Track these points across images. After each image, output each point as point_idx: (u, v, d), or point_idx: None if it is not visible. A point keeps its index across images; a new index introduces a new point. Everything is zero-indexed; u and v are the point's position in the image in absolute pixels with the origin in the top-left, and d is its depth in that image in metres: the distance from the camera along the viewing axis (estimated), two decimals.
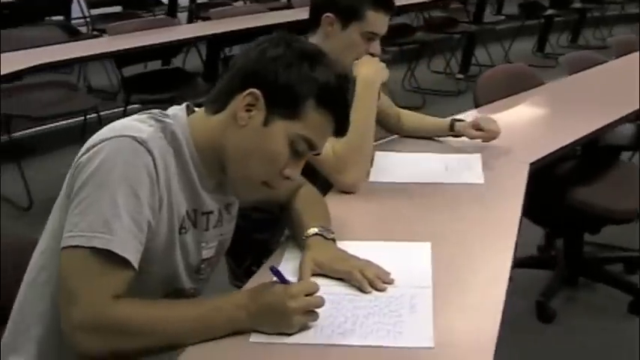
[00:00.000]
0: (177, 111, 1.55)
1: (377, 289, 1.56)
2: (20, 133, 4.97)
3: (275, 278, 1.45)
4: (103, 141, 1.41)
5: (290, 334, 1.39)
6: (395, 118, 2.65)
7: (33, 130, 5.20)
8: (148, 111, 1.53)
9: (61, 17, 6.51)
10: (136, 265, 1.38)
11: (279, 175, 1.50)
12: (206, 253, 1.60)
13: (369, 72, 2.19)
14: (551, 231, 3.45)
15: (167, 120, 1.50)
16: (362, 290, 1.55)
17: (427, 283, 1.59)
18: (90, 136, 1.45)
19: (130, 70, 4.83)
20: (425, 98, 6.42)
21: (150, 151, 1.41)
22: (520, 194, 2.08)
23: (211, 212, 1.57)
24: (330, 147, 2.13)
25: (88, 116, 5.05)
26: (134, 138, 1.40)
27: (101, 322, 1.34)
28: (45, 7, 6.29)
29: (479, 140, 2.48)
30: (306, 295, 1.41)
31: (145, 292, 1.43)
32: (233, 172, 1.51)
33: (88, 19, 6.81)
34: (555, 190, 2.94)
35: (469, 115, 2.70)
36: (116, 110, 5.08)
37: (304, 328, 1.41)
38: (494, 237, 1.85)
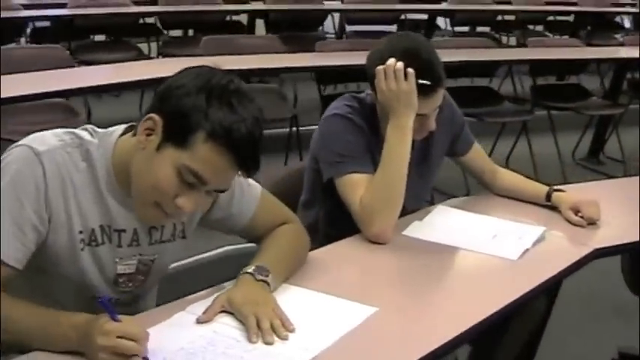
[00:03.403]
0: (114, 130, 1.62)
1: (264, 341, 1.49)
2: None
3: None
4: (15, 147, 1.53)
5: None
6: (489, 175, 2.48)
7: None
8: (83, 127, 1.63)
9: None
10: (14, 263, 1.48)
11: (172, 202, 1.51)
12: (122, 269, 1.65)
13: (399, 114, 2.07)
14: None
15: (86, 137, 1.58)
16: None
17: (317, 349, 1.48)
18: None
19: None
20: None
21: (42, 163, 1.50)
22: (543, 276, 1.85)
23: (123, 230, 1.61)
24: (358, 195, 2.06)
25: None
26: (31, 149, 1.51)
27: None
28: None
29: None
30: (122, 338, 1.37)
31: (59, 294, 1.56)
32: (132, 192, 1.56)
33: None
34: None
35: (572, 189, 2.43)
36: None
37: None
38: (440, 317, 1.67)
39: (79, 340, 1.41)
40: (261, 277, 1.64)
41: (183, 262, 3.25)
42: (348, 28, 7.11)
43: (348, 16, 7.05)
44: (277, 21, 6.48)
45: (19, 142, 1.54)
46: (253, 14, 6.42)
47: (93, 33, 6.24)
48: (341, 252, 2.01)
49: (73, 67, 4.27)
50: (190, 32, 6.77)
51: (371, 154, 2.14)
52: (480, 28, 8.34)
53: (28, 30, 5.96)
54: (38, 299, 1.49)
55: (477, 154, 2.48)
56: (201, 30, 6.16)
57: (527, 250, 2.02)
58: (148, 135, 1.50)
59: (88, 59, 5.39)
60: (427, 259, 1.97)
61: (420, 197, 2.37)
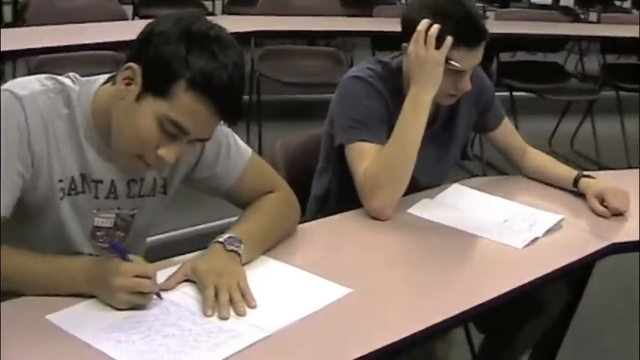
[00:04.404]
0: (97, 78, 1.56)
1: (219, 315, 1.41)
2: (270, 96, 4.96)
3: None
4: None
5: (121, 309, 1.39)
6: (518, 154, 2.34)
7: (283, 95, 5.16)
8: (66, 74, 1.56)
9: None
10: (4, 212, 1.44)
11: (153, 153, 1.45)
12: (100, 221, 1.61)
13: (420, 86, 1.95)
14: None
15: (68, 84, 1.53)
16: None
17: (271, 328, 1.39)
18: None
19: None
20: None
21: (23, 108, 1.45)
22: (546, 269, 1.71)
23: (100, 181, 1.56)
24: (364, 166, 1.96)
25: None
26: (12, 93, 1.46)
27: None
28: None
29: None
30: (137, 277, 1.38)
31: (40, 248, 1.50)
32: (112, 143, 1.51)
33: None
34: None
35: (603, 175, 2.26)
36: None
37: (137, 307, 1.40)
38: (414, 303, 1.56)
39: (87, 282, 1.41)
40: (231, 248, 1.56)
41: (181, 231, 3.29)
42: None
43: None
44: None
45: (2, 86, 1.49)
46: None
47: None
48: (336, 226, 1.92)
49: (126, 19, 4.26)
50: None
51: (389, 123, 2.02)
52: (563, 2, 8.02)
53: None
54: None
55: (507, 130, 2.33)
56: None
57: (537, 238, 1.88)
58: (127, 84, 1.45)
59: (152, 14, 5.38)
60: (424, 241, 1.86)
61: (438, 173, 2.23)
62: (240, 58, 1.45)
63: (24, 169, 1.46)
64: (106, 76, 1.56)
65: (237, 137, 1.74)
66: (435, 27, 1.92)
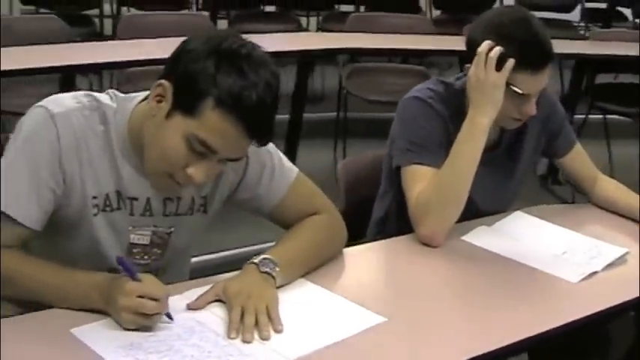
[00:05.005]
0: (135, 95, 1.57)
1: (242, 338, 1.39)
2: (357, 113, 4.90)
3: None
4: (34, 107, 1.52)
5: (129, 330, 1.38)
6: (589, 182, 2.23)
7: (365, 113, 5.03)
8: (107, 91, 1.59)
9: None
10: (30, 224, 1.48)
11: (182, 172, 1.45)
12: (135, 238, 1.61)
13: (478, 109, 1.88)
14: None
15: (104, 101, 1.55)
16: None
17: (292, 356, 1.35)
18: None
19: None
20: None
21: (55, 125, 1.47)
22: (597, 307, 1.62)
23: (135, 198, 1.57)
24: (417, 189, 1.91)
25: None
26: (47, 110, 1.48)
27: None
28: None
29: None
30: (142, 297, 1.37)
31: (71, 261, 1.51)
32: (144, 161, 1.51)
33: None
34: None
35: None
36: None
37: (146, 328, 1.38)
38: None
39: (101, 299, 1.41)
40: (265, 269, 1.54)
41: (228, 252, 3.25)
42: None
43: (521, 1, 6.68)
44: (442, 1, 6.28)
45: (39, 103, 1.52)
46: None
47: (251, 5, 6.27)
48: (385, 251, 1.88)
49: None
50: (362, 9, 6.68)
51: (449, 146, 1.94)
52: None
53: None
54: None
55: (577, 157, 2.22)
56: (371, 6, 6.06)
57: (596, 272, 1.78)
58: (159, 102, 1.45)
59: (247, 29, 5.46)
60: (472, 270, 1.78)
61: (501, 198, 2.15)
62: (274, 77, 1.43)
63: (55, 185, 1.48)
64: (145, 94, 1.57)
65: (282, 157, 1.72)
66: (497, 49, 1.86)
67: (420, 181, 1.93)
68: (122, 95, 1.58)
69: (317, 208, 1.74)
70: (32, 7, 5.57)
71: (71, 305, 1.44)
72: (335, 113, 4.70)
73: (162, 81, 1.44)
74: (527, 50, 1.86)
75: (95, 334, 1.37)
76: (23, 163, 1.46)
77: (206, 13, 4.62)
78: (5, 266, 1.46)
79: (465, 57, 1.96)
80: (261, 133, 1.44)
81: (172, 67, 1.44)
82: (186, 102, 1.40)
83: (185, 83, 1.41)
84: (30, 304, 1.47)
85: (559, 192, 4.27)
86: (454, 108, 2.02)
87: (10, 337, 1.32)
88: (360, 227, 2.21)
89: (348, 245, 1.82)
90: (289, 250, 1.63)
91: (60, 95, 1.54)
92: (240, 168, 1.64)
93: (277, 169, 1.69)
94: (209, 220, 1.70)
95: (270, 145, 1.68)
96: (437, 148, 1.97)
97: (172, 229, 1.64)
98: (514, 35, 1.87)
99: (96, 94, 1.56)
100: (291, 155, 4.23)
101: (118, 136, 1.53)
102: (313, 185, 1.78)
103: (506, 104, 1.90)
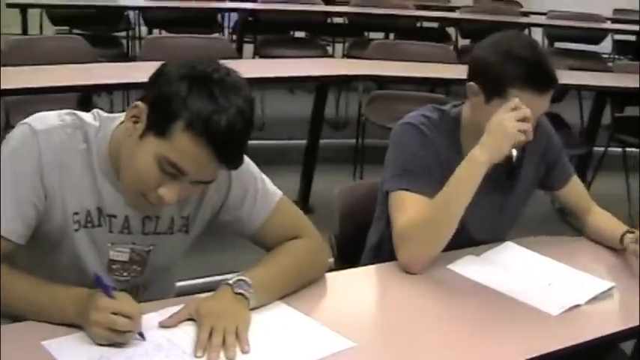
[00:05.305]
0: (118, 116, 1.62)
1: (208, 358, 1.42)
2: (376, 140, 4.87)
3: None
4: (20, 124, 1.57)
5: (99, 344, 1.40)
6: (581, 214, 2.23)
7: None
8: (92, 111, 1.64)
9: None
10: (14, 238, 1.51)
11: (154, 192, 1.49)
12: (115, 255, 1.64)
13: (485, 149, 1.86)
14: None
15: (87, 120, 1.59)
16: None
17: None
18: None
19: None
20: None
21: (38, 142, 1.52)
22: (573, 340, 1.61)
23: (114, 216, 1.60)
24: (403, 216, 1.92)
25: None
26: (30, 127, 1.53)
27: None
28: None
29: None
30: (115, 314, 1.40)
31: (57, 277, 1.54)
32: (120, 180, 1.55)
33: None
34: None
35: None
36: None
37: (116, 344, 1.40)
38: None
39: (77, 314, 1.44)
40: (239, 290, 1.56)
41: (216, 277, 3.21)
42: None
43: (549, 32, 6.68)
44: (469, 30, 6.30)
45: (24, 120, 1.57)
46: (443, 22, 6.27)
47: (281, 30, 6.34)
48: (369, 276, 1.90)
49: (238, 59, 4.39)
50: (391, 36, 6.73)
51: (441, 173, 1.96)
52: None
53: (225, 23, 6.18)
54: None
55: (572, 189, 2.23)
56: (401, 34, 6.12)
57: (578, 306, 1.78)
58: (135, 122, 1.49)
59: (272, 54, 5.53)
60: (453, 300, 1.79)
61: (495, 228, 2.15)
62: (247, 102, 1.45)
63: (37, 200, 1.53)
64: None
65: (267, 181, 1.75)
66: (527, 111, 1.85)
67: (406, 207, 1.94)
68: (105, 115, 1.62)
69: (299, 233, 1.77)
70: (65, 28, 5.71)
71: (47, 319, 1.46)
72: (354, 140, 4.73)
73: (138, 102, 1.48)
74: (534, 70, 1.88)
75: (65, 347, 1.40)
76: (7, 178, 1.51)
77: (225, 37, 4.67)
78: None
79: (469, 76, 1.97)
80: (230, 158, 1.47)
81: (149, 89, 1.48)
82: (158, 123, 1.44)
83: (158, 105, 1.44)
84: (9, 316, 1.51)
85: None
86: (447, 135, 2.03)
87: None
88: (356, 253, 2.24)
89: (334, 270, 1.84)
90: (266, 272, 1.65)
91: (45, 113, 1.59)
92: (223, 190, 1.67)
93: (260, 193, 1.72)
94: (191, 241, 1.73)
95: (255, 169, 1.72)
96: (426, 175, 1.98)
97: (151, 248, 1.67)
98: (522, 55, 1.89)
99: (80, 113, 1.61)
100: (307, 179, 4.27)
101: (99, 154, 1.57)
102: (297, 210, 1.81)
103: None
